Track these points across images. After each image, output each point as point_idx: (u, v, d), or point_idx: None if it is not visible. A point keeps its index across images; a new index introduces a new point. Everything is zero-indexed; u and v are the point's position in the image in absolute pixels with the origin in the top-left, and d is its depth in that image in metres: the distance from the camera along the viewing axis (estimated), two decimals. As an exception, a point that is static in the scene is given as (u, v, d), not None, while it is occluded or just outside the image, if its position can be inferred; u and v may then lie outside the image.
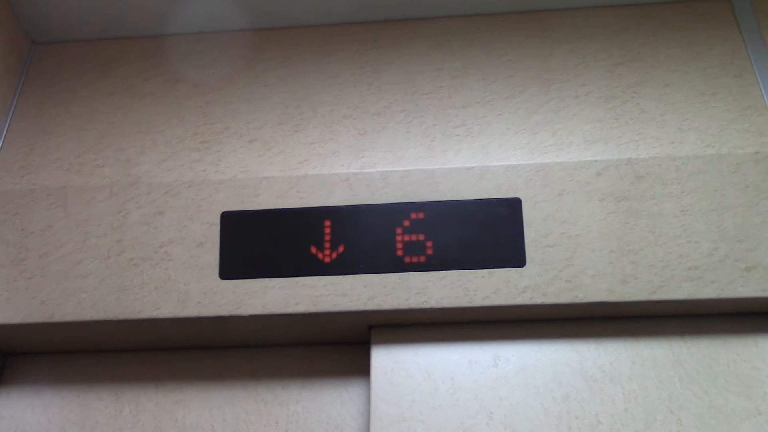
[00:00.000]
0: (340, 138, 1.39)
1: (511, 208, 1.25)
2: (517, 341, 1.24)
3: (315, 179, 1.31)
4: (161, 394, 1.32)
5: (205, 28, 1.54)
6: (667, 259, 1.19)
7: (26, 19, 1.52)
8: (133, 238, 1.29)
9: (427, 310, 1.20)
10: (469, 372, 1.21)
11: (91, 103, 1.47)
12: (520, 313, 1.22)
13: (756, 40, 1.41)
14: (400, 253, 1.24)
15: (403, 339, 1.25)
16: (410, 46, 1.49)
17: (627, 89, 1.39)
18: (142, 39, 1.55)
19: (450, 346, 1.24)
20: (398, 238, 1.25)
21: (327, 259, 1.25)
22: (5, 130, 1.45)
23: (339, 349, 1.34)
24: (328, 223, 1.27)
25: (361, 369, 1.30)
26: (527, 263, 1.21)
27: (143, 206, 1.31)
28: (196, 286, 1.24)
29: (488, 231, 1.24)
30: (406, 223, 1.26)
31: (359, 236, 1.25)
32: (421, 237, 1.24)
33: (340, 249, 1.25)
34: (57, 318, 1.24)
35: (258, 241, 1.27)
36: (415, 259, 1.23)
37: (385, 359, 1.23)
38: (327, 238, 1.26)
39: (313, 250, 1.25)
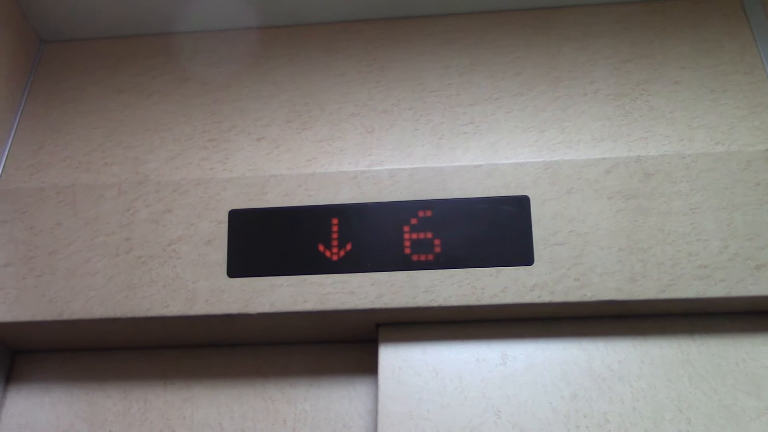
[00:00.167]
0: (348, 136, 1.39)
1: (520, 206, 1.24)
2: (526, 339, 1.23)
3: (323, 177, 1.31)
4: (169, 391, 1.33)
5: (213, 26, 1.55)
6: (677, 257, 1.19)
7: (35, 17, 1.53)
8: (141, 236, 1.29)
9: (434, 308, 1.20)
10: (476, 370, 1.21)
11: (100, 101, 1.48)
12: (529, 312, 1.22)
13: (766, 37, 1.40)
14: (407, 251, 1.24)
15: (410, 337, 1.25)
16: (418, 43, 1.49)
17: (636, 86, 1.38)
18: (150, 37, 1.55)
19: (458, 344, 1.24)
20: (406, 236, 1.25)
21: (335, 257, 1.25)
22: (14, 128, 1.46)
23: (347, 347, 1.34)
24: (335, 221, 1.27)
25: (368, 367, 1.30)
26: (535, 261, 1.21)
27: (151, 204, 1.31)
28: (204, 284, 1.25)
29: (496, 229, 1.24)
30: (414, 221, 1.25)
31: (367, 234, 1.25)
32: (429, 235, 1.24)
33: (348, 247, 1.25)
34: (65, 316, 1.25)
35: (266, 239, 1.27)
36: (422, 257, 1.23)
37: (392, 357, 1.23)
38: (335, 236, 1.26)
39: (321, 248, 1.25)
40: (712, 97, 1.35)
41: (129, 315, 1.24)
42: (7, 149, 1.43)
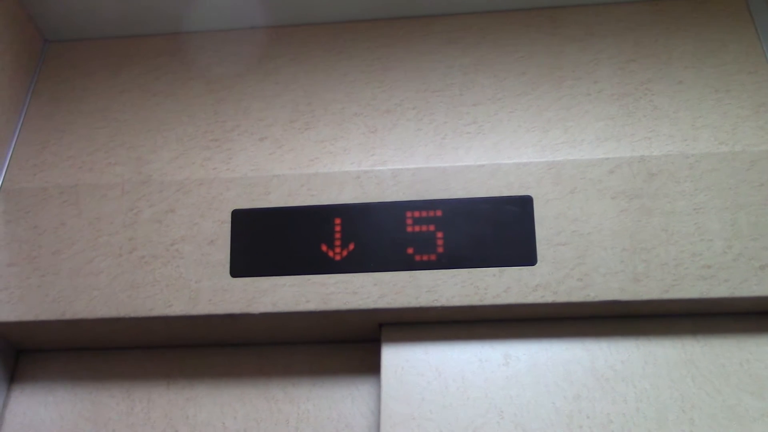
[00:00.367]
0: (351, 136, 1.39)
1: (523, 206, 1.24)
2: (528, 340, 1.23)
3: (325, 177, 1.31)
4: (172, 391, 1.33)
5: (216, 26, 1.55)
6: (680, 257, 1.18)
7: (39, 17, 1.53)
8: (144, 236, 1.29)
9: (437, 308, 1.20)
10: (479, 370, 1.21)
11: (103, 101, 1.48)
12: (531, 312, 1.22)
13: (771, 36, 1.40)
14: (410, 251, 1.24)
15: (413, 337, 1.25)
16: (421, 43, 1.49)
17: (639, 86, 1.38)
18: (154, 37, 1.55)
19: (460, 344, 1.24)
20: (409, 236, 1.24)
21: (337, 257, 1.25)
22: (18, 128, 1.46)
23: (349, 347, 1.34)
24: (338, 221, 1.27)
25: (371, 367, 1.30)
26: (538, 261, 1.20)
27: (155, 204, 1.32)
28: (207, 284, 1.25)
29: (499, 229, 1.24)
30: (417, 221, 1.25)
31: (370, 234, 1.25)
32: (432, 235, 1.24)
33: (351, 247, 1.25)
34: (69, 315, 1.25)
35: (268, 239, 1.27)
36: (425, 258, 1.23)
37: (395, 357, 1.23)
38: (337, 236, 1.26)
39: (324, 248, 1.25)
40: (716, 96, 1.35)
41: (132, 315, 1.24)
42: (11, 149, 1.43)
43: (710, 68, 1.38)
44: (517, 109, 1.38)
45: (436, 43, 1.48)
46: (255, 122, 1.42)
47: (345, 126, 1.40)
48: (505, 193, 1.26)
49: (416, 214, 1.26)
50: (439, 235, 1.24)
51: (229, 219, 1.29)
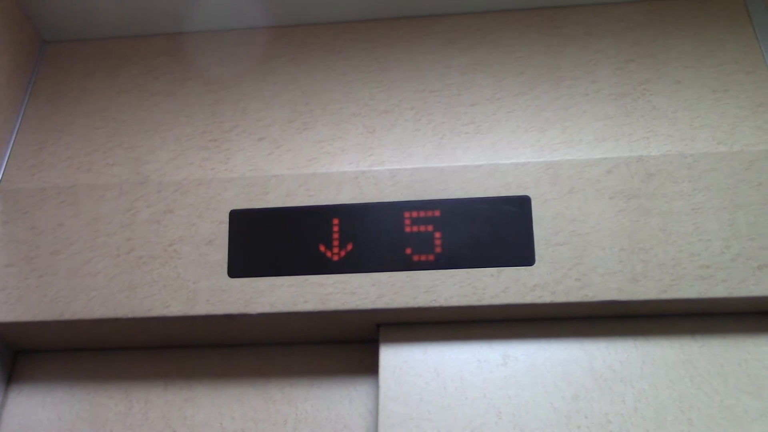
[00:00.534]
0: (349, 136, 1.38)
1: (521, 206, 1.24)
2: (527, 340, 1.23)
3: (323, 177, 1.31)
4: (170, 392, 1.33)
5: (214, 26, 1.55)
6: (678, 257, 1.18)
7: (36, 18, 1.53)
8: (142, 237, 1.29)
9: (435, 308, 1.20)
10: (478, 371, 1.21)
11: (101, 101, 1.48)
12: (530, 312, 1.22)
13: (769, 36, 1.40)
14: (408, 251, 1.23)
15: (411, 338, 1.25)
16: (419, 43, 1.48)
17: (638, 86, 1.38)
18: (152, 37, 1.55)
19: (459, 344, 1.24)
20: (407, 236, 1.24)
21: (335, 258, 1.24)
22: (16, 128, 1.46)
23: (347, 347, 1.33)
24: (336, 221, 1.27)
25: (369, 368, 1.30)
26: (536, 262, 1.20)
27: (152, 204, 1.31)
28: (204, 285, 1.25)
29: (497, 229, 1.23)
30: (415, 221, 1.25)
31: (368, 234, 1.25)
32: (430, 235, 1.24)
33: (349, 247, 1.25)
34: (67, 316, 1.25)
35: (266, 240, 1.27)
36: (423, 258, 1.23)
37: (393, 358, 1.23)
38: (335, 236, 1.26)
39: (322, 248, 1.25)
40: (714, 96, 1.35)
41: (130, 315, 1.24)
42: (9, 150, 1.43)
43: (708, 68, 1.38)
44: (515, 109, 1.38)
45: (434, 43, 1.48)
46: (253, 122, 1.42)
47: (343, 126, 1.40)
48: (503, 193, 1.26)
49: (414, 214, 1.26)
50: (437, 235, 1.24)
51: (227, 219, 1.29)
